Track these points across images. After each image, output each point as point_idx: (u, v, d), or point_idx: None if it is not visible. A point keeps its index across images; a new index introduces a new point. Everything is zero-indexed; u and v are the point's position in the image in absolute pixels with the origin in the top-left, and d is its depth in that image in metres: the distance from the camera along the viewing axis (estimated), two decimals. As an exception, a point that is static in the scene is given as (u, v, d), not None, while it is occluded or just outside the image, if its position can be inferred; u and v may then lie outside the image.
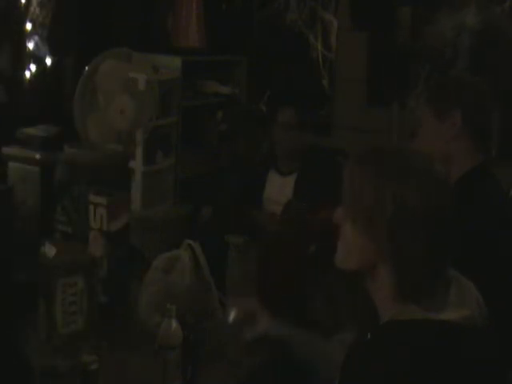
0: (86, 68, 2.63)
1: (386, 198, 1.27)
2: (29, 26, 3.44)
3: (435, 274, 1.30)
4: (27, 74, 3.42)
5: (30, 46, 3.44)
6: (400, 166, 1.31)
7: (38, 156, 2.58)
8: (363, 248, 1.32)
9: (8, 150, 2.66)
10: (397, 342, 1.27)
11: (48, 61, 3.53)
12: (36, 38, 3.47)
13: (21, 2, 3.36)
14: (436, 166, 1.34)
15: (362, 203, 1.30)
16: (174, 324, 1.78)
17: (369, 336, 1.35)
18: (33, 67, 3.44)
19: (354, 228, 1.34)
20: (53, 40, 3.52)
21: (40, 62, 3.49)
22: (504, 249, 1.83)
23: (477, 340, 1.30)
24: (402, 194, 1.26)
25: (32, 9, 3.51)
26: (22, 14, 3.38)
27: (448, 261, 1.33)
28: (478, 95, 1.96)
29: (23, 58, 3.41)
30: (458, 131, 1.92)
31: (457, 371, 1.25)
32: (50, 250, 2.02)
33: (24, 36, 3.40)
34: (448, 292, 1.32)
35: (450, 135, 1.92)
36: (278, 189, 3.53)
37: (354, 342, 1.47)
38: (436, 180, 1.31)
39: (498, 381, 1.35)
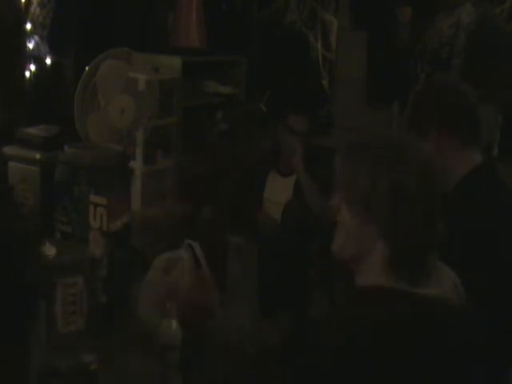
0: (86, 68, 2.63)
1: (382, 183, 1.32)
2: (29, 26, 3.44)
3: (426, 253, 1.35)
4: (27, 73, 3.42)
5: (30, 46, 3.44)
6: (393, 152, 1.36)
7: (38, 156, 2.57)
8: (360, 232, 1.37)
9: (8, 150, 2.66)
10: (361, 307, 1.32)
11: (48, 61, 3.53)
12: (36, 38, 3.47)
13: (21, 2, 3.36)
14: (424, 151, 1.40)
15: (359, 189, 1.35)
16: (174, 324, 1.78)
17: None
18: (33, 67, 3.44)
19: (351, 213, 1.38)
20: (53, 40, 3.52)
21: (40, 62, 3.49)
22: (504, 248, 1.83)
23: (446, 315, 1.34)
24: (397, 178, 1.32)
25: (32, 9, 3.51)
26: (21, 14, 3.38)
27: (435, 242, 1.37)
28: (453, 107, 1.97)
29: (23, 58, 3.40)
30: (441, 146, 1.93)
31: (420, 341, 1.28)
32: (49, 250, 2.02)
33: (24, 36, 3.40)
34: (429, 273, 1.36)
35: (444, 147, 1.94)
36: (279, 189, 3.54)
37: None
38: (427, 164, 1.37)
39: (471, 356, 1.36)
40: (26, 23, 3.40)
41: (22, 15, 3.39)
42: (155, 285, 2.08)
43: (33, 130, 2.71)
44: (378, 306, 1.30)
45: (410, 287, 1.31)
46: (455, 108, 1.97)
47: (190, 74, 4.00)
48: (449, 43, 3.53)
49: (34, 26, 3.49)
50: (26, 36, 3.41)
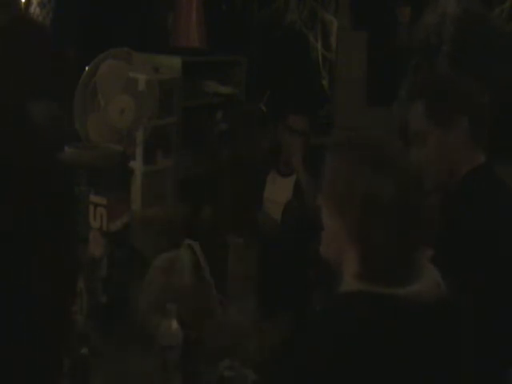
0: (86, 68, 2.63)
1: (357, 186, 1.30)
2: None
3: (403, 260, 1.32)
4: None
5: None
6: (373, 155, 1.34)
7: (38, 156, 2.57)
8: (337, 234, 1.34)
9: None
10: (339, 311, 1.30)
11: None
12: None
13: (21, 2, 3.36)
14: (409, 155, 1.38)
15: (335, 190, 1.34)
16: (174, 324, 1.78)
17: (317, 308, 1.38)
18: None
19: (328, 215, 1.37)
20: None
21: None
22: (504, 248, 1.83)
23: (423, 313, 1.31)
24: (373, 182, 1.29)
25: (32, 9, 3.51)
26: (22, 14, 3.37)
27: (418, 247, 1.35)
28: (477, 96, 1.97)
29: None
30: (466, 137, 1.92)
31: (395, 342, 1.27)
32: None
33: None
34: (408, 272, 1.33)
35: (460, 142, 1.92)
36: (279, 189, 3.54)
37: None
38: (408, 170, 1.34)
39: (451, 356, 1.35)
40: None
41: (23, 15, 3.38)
42: (155, 285, 2.08)
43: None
44: (355, 310, 1.28)
45: (387, 289, 1.29)
46: (477, 101, 1.97)
47: (190, 74, 4.00)
48: (436, 31, 3.51)
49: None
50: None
